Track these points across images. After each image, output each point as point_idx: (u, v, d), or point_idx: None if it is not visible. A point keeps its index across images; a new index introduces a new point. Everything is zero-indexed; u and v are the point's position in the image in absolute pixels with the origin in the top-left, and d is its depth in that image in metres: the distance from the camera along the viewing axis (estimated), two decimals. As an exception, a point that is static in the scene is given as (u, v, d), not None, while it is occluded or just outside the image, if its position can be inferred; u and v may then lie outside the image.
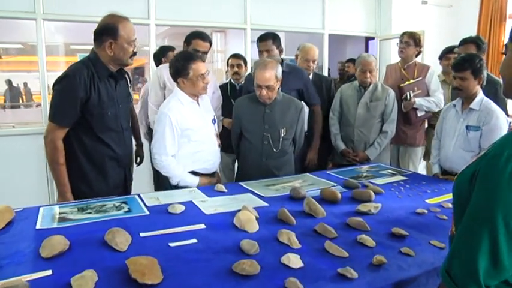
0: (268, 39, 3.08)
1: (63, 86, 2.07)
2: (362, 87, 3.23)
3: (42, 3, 3.79)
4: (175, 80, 2.37)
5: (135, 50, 2.19)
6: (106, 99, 2.15)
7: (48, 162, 2.11)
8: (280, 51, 3.15)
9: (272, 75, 2.50)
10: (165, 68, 3.11)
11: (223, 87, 3.83)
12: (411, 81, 3.48)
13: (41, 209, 1.82)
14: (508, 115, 2.79)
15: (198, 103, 2.43)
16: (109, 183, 2.24)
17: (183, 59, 2.32)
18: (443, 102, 3.50)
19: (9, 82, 9.51)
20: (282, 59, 3.15)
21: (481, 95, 2.56)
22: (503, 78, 1.02)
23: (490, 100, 2.56)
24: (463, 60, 2.54)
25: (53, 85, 2.11)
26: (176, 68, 2.32)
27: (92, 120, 2.12)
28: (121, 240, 1.43)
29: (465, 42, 3.39)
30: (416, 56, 3.69)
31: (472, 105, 2.54)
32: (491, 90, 2.77)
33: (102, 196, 2.06)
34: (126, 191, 2.36)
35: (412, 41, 3.60)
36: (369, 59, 3.18)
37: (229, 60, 4.03)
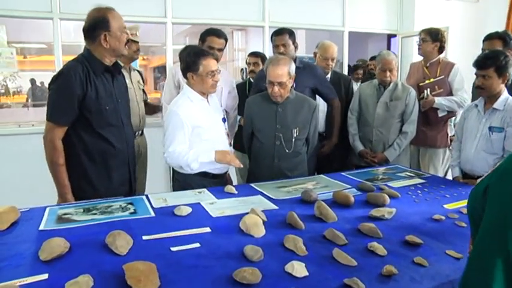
0: (284, 34, 3.05)
1: (59, 85, 2.04)
2: (382, 86, 3.13)
3: (58, 2, 3.82)
4: (184, 75, 2.33)
5: (128, 37, 2.18)
6: (104, 94, 2.12)
7: (47, 163, 2.08)
8: (295, 48, 3.10)
9: (285, 71, 2.44)
10: (178, 66, 3.11)
11: (241, 86, 3.80)
12: (431, 80, 3.36)
13: (47, 210, 1.80)
14: None
15: (207, 101, 2.39)
16: (112, 181, 2.21)
17: (194, 54, 2.28)
18: (467, 102, 3.35)
19: (32, 81, 9.71)
20: (296, 56, 3.09)
21: (505, 94, 2.42)
22: None
23: None
24: (486, 57, 2.40)
25: (49, 84, 2.10)
26: (186, 63, 2.28)
27: (91, 116, 2.08)
28: (121, 243, 1.39)
29: (490, 37, 3.22)
30: (440, 53, 3.55)
31: (495, 105, 2.41)
32: None
33: (106, 195, 2.05)
34: (131, 190, 2.33)
35: (428, 36, 3.46)
36: (388, 57, 3.07)
37: (247, 59, 4.03)
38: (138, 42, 3.02)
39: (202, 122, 2.30)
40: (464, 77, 3.45)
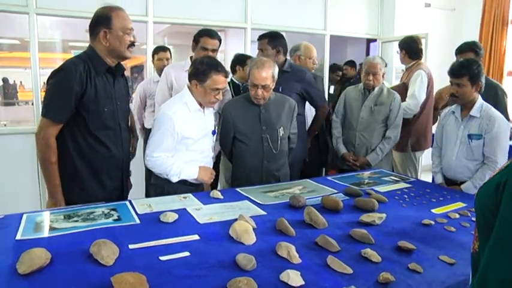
0: (263, 38, 3.03)
1: (57, 80, 1.96)
2: (367, 90, 3.13)
3: (36, -2, 3.69)
4: (190, 79, 2.24)
5: (132, 40, 2.09)
6: (103, 95, 2.05)
7: (39, 161, 2.01)
8: (284, 52, 3.06)
9: (269, 74, 2.41)
10: (172, 68, 3.08)
11: None
12: (393, 85, 3.44)
13: (24, 217, 1.70)
14: (508, 119, 2.71)
15: (203, 111, 2.32)
16: (105, 185, 2.14)
17: (208, 65, 2.19)
18: (411, 108, 3.47)
19: (5, 79, 9.36)
20: (286, 59, 3.07)
21: (480, 101, 2.47)
22: None
23: (490, 105, 2.47)
24: (460, 66, 2.44)
25: (48, 79, 2.01)
26: (196, 69, 2.20)
27: (88, 116, 2.01)
28: (107, 253, 1.32)
29: (462, 51, 3.31)
30: (418, 58, 3.63)
31: (472, 112, 2.45)
32: (491, 94, 2.69)
33: (97, 199, 1.99)
34: (123, 196, 2.27)
35: (406, 45, 3.67)
36: (373, 61, 3.08)
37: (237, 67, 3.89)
38: None
39: (193, 134, 2.23)
40: (424, 83, 3.52)
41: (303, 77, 3.05)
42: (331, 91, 6.02)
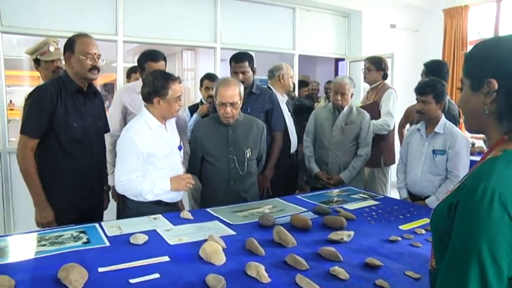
0: (244, 61, 2.99)
1: (32, 100, 2.20)
2: (337, 110, 3.20)
3: (0, 15, 3.64)
4: (149, 99, 2.21)
5: (93, 63, 2.25)
6: (73, 111, 2.25)
7: (21, 172, 2.19)
8: (254, 72, 3.08)
9: (236, 92, 2.46)
10: (124, 90, 2.95)
11: (194, 108, 3.74)
12: (360, 104, 3.54)
13: (-13, 241, 1.66)
14: None
15: (165, 128, 2.32)
16: (71, 195, 2.26)
17: (162, 78, 2.20)
18: (390, 125, 3.57)
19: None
20: (253, 80, 3.10)
21: (443, 118, 2.62)
22: (463, 113, 1.05)
23: (452, 124, 2.61)
24: (425, 85, 2.61)
25: (25, 100, 2.31)
26: (155, 87, 2.18)
27: (59, 130, 2.20)
28: (76, 277, 1.30)
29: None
30: (384, 79, 3.75)
31: (436, 129, 2.59)
32: (449, 116, 2.81)
33: (64, 210, 2.19)
34: (91, 206, 2.38)
35: (373, 66, 3.76)
36: (342, 81, 3.15)
37: (204, 82, 3.82)
38: (56, 59, 2.85)
39: (158, 151, 2.21)
40: (396, 101, 3.65)
41: (271, 98, 3.10)
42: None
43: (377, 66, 3.74)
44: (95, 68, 2.26)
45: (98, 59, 2.28)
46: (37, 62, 2.87)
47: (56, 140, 2.21)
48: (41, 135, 2.19)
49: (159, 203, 2.26)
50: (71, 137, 2.24)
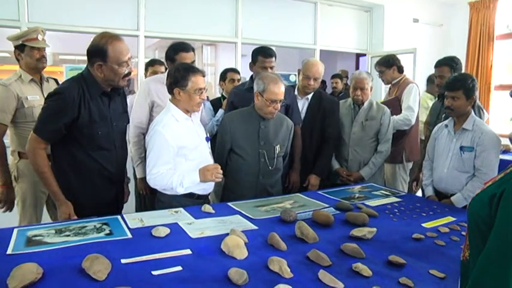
0: (273, 56, 2.98)
1: (52, 102, 2.02)
2: (357, 106, 3.17)
3: (27, 11, 3.71)
4: (171, 90, 2.23)
5: (127, 71, 2.11)
6: (97, 118, 2.09)
7: (35, 172, 2.08)
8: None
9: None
10: (153, 81, 2.84)
11: (216, 102, 3.75)
12: (382, 100, 3.49)
13: (15, 231, 1.69)
14: None
15: (192, 120, 2.33)
16: (98, 199, 2.15)
17: (183, 69, 2.21)
18: (412, 120, 3.53)
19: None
20: None
21: (473, 115, 2.53)
22: None
23: (482, 121, 2.53)
24: (455, 80, 2.52)
25: (46, 97, 2.08)
26: (175, 78, 2.20)
27: (82, 138, 2.07)
28: (99, 268, 1.31)
29: (439, 64, 3.36)
30: (400, 72, 3.75)
31: (464, 126, 2.50)
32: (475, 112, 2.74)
33: (89, 213, 1.99)
34: (117, 210, 2.28)
35: (383, 66, 3.75)
36: (360, 76, 3.11)
37: (228, 74, 3.91)
38: (42, 48, 2.72)
39: (187, 142, 2.23)
40: (417, 96, 3.61)
41: (290, 92, 3.06)
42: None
43: (386, 65, 3.74)
44: (128, 75, 2.14)
45: (130, 61, 2.14)
46: (20, 48, 2.65)
47: (79, 145, 2.08)
48: (54, 142, 2.07)
49: (191, 195, 2.27)
50: (96, 144, 2.12)
